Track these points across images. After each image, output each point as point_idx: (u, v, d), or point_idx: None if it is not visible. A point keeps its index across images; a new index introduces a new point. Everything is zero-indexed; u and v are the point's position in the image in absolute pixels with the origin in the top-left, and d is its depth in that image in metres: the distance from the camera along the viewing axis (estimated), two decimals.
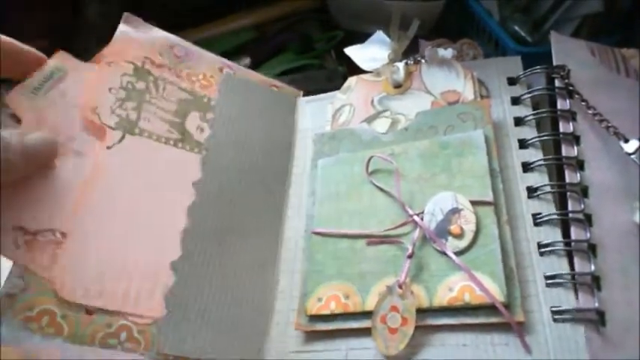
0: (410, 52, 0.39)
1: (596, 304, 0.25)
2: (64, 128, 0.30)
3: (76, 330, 0.27)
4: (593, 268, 0.26)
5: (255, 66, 0.59)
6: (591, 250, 0.26)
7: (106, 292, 0.28)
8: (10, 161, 0.26)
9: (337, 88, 0.40)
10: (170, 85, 0.35)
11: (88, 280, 0.28)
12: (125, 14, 0.35)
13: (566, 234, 0.27)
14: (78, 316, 0.27)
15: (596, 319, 0.25)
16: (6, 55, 0.29)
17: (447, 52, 0.37)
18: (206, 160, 0.34)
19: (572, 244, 0.27)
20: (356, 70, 0.40)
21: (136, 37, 0.35)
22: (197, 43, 0.60)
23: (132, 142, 0.32)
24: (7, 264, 0.26)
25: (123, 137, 0.32)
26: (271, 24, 0.63)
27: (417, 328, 0.27)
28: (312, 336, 0.30)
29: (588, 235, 0.27)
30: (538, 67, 0.33)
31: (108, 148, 0.31)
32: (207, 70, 0.38)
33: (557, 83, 0.32)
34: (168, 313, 0.29)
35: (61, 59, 0.31)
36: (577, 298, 0.25)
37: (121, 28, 0.34)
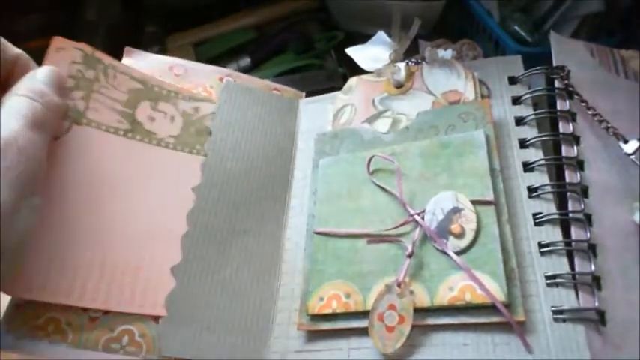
0: (410, 52, 0.39)
1: (596, 304, 0.25)
2: None
3: (80, 336, 0.27)
4: (593, 267, 0.26)
5: (255, 66, 0.59)
6: (591, 250, 0.27)
7: (113, 293, 0.28)
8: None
9: (337, 88, 0.40)
10: (120, 75, 0.34)
11: (91, 284, 0.28)
12: (126, 48, 0.36)
13: (566, 234, 0.27)
14: (82, 323, 0.28)
15: (597, 319, 0.25)
16: None
17: (446, 53, 0.37)
18: (206, 164, 0.34)
19: (573, 243, 0.27)
20: (356, 70, 0.40)
21: (137, 68, 0.36)
22: (197, 43, 0.61)
23: (79, 132, 0.31)
24: None
25: (70, 127, 0.31)
26: (271, 24, 0.63)
27: (417, 327, 0.27)
28: (314, 335, 0.30)
29: (588, 235, 0.27)
30: (538, 67, 0.33)
31: (55, 139, 0.30)
32: (207, 81, 0.39)
33: (556, 84, 0.32)
34: (169, 315, 0.29)
35: None
36: (578, 297, 0.26)
37: (124, 61, 0.35)
